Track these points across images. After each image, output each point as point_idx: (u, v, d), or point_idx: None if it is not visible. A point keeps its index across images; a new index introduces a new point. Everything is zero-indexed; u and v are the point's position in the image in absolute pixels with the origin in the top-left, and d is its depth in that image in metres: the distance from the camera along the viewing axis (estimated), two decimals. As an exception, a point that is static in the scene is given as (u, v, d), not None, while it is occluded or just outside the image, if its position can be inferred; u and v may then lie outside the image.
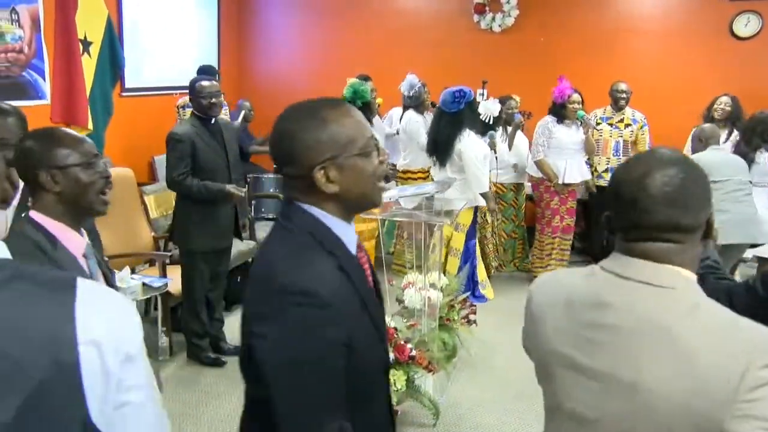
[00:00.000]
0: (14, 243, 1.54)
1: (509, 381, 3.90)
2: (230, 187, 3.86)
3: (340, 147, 1.28)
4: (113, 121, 5.40)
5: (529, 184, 5.97)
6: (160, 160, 6.37)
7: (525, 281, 5.89)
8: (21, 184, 1.85)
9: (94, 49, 5.37)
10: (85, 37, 5.24)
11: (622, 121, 5.81)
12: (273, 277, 1.23)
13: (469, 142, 4.56)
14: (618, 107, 5.80)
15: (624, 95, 5.74)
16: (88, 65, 5.29)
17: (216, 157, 3.87)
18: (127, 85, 6.02)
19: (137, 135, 6.05)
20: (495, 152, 5.51)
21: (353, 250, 1.35)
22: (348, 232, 1.34)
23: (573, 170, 5.55)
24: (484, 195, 4.68)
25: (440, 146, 4.66)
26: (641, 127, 5.78)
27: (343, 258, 1.29)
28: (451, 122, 4.59)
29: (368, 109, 5.21)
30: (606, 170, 5.83)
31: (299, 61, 7.72)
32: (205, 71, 5.23)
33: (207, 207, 3.87)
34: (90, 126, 5.27)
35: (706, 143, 4.40)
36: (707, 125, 4.77)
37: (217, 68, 6.38)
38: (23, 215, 1.70)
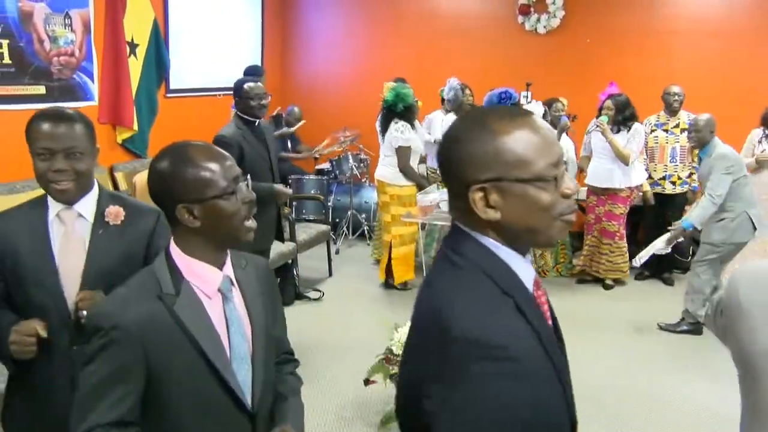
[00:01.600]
0: (136, 279, 1.48)
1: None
2: (279, 187, 3.86)
3: (507, 167, 1.05)
4: (157, 121, 5.49)
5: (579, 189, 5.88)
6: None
7: (568, 286, 5.78)
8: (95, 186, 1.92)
9: (141, 51, 5.47)
10: (132, 40, 5.35)
11: (677, 126, 5.60)
12: (446, 326, 1.02)
13: None
14: (671, 111, 5.61)
15: (677, 98, 5.55)
16: (135, 67, 5.40)
17: (261, 159, 3.86)
18: (172, 86, 6.10)
19: (181, 136, 5.98)
20: None
21: (531, 288, 1.13)
22: (525, 268, 1.12)
23: (596, 173, 5.55)
24: None
25: None
26: None
27: (521, 300, 1.07)
28: None
29: (410, 113, 5.19)
30: (663, 178, 5.70)
31: (341, 63, 7.72)
32: (251, 72, 5.26)
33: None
34: (135, 126, 5.38)
35: None
36: None
37: (263, 69, 6.43)
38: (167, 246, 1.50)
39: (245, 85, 3.83)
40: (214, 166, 1.42)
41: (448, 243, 1.13)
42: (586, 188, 5.82)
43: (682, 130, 5.53)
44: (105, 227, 1.85)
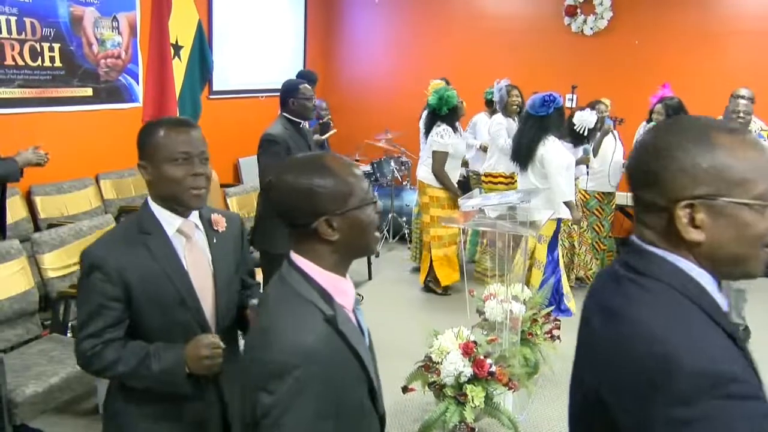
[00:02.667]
0: (285, 300, 1.35)
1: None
2: None
3: (724, 185, 0.96)
4: (200, 123, 5.51)
5: (626, 194, 5.72)
6: (245, 162, 6.50)
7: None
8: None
9: (185, 53, 5.52)
10: (177, 42, 5.39)
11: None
12: (668, 357, 0.91)
13: (552, 149, 4.39)
14: (739, 119, 5.15)
15: (744, 102, 5.05)
16: (179, 69, 5.44)
17: None
18: (215, 87, 6.16)
19: (223, 137, 6.17)
20: (588, 167, 5.33)
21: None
22: (720, 297, 1.03)
23: None
24: (567, 204, 4.48)
25: (522, 150, 4.53)
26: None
27: (727, 327, 0.99)
28: (536, 126, 4.45)
29: (455, 115, 5.13)
30: None
31: (383, 64, 7.71)
32: (305, 76, 5.28)
33: None
34: (179, 128, 5.43)
35: None
36: None
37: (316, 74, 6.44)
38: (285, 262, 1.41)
39: (301, 86, 3.87)
40: (353, 175, 1.37)
41: (628, 263, 1.02)
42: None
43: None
44: (215, 235, 1.88)
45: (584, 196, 5.66)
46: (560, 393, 3.84)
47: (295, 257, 1.36)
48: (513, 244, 3.74)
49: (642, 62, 6.45)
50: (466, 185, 6.06)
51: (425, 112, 5.35)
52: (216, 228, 1.88)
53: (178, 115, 5.40)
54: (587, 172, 5.42)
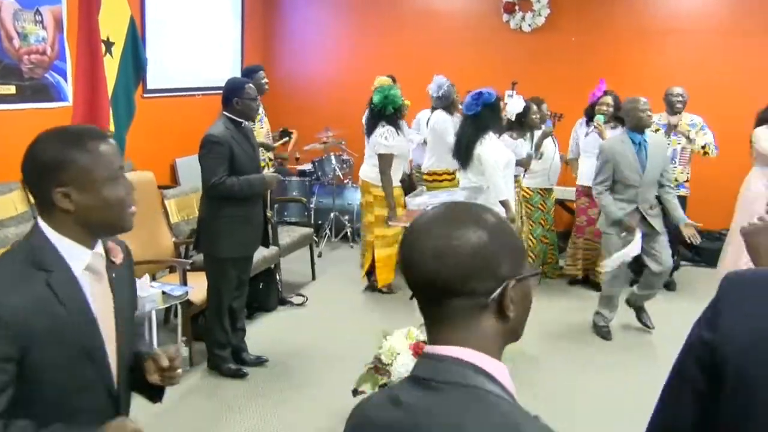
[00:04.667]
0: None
1: (550, 395, 3.74)
2: (268, 174, 3.78)
3: None
4: (135, 122, 5.32)
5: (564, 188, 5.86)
6: (183, 163, 6.30)
7: (556, 288, 5.71)
8: None
9: (117, 50, 5.29)
10: (108, 38, 5.16)
11: (677, 126, 5.43)
12: None
13: (489, 147, 4.38)
14: (674, 112, 5.41)
15: (680, 99, 5.38)
16: (111, 66, 5.21)
17: (249, 161, 3.78)
18: (150, 86, 5.94)
19: (159, 137, 5.96)
20: (535, 157, 5.38)
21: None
22: None
23: (590, 173, 5.35)
24: (503, 203, 4.47)
25: (462, 149, 4.54)
26: (699, 129, 5.38)
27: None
28: (471, 125, 4.45)
29: (399, 115, 5.09)
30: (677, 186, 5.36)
31: (325, 62, 7.61)
32: (254, 70, 5.16)
33: (239, 211, 3.77)
34: (112, 128, 5.20)
35: None
36: None
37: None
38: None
39: (247, 86, 3.76)
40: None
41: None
42: (575, 189, 5.76)
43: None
44: (114, 269, 1.55)
45: (527, 193, 5.72)
46: (516, 388, 3.85)
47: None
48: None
49: (579, 59, 6.57)
50: (409, 182, 6.04)
51: (368, 111, 5.29)
52: (113, 259, 1.54)
53: (111, 114, 5.18)
54: (524, 173, 5.49)
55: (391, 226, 5.13)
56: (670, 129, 5.40)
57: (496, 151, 4.39)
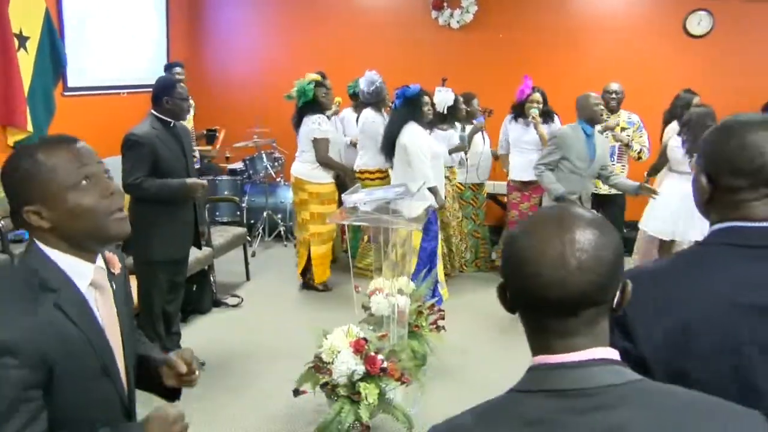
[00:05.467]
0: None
1: (483, 387, 3.76)
2: (191, 180, 3.67)
3: None
4: (55, 122, 5.10)
5: (494, 183, 5.97)
6: (109, 164, 6.04)
7: (488, 281, 5.81)
8: None
9: (32, 45, 5.04)
10: (21, 32, 4.91)
11: (617, 124, 5.39)
12: None
13: (411, 134, 4.49)
14: (609, 109, 5.37)
15: (614, 96, 5.37)
16: (26, 62, 4.97)
17: (177, 163, 3.66)
18: (70, 84, 5.69)
19: (82, 137, 5.68)
20: (466, 155, 5.46)
21: None
22: None
23: (522, 166, 5.51)
24: (431, 190, 4.55)
25: (386, 141, 4.62)
26: (637, 129, 5.39)
27: None
28: (397, 117, 4.62)
29: (315, 108, 5.07)
30: (598, 177, 5.26)
31: (254, 59, 7.48)
32: (169, 68, 5.00)
33: (168, 213, 3.66)
34: (29, 128, 4.95)
35: None
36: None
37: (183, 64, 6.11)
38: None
39: (178, 85, 3.65)
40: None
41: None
42: (506, 184, 5.87)
43: (622, 129, 5.39)
44: (114, 280, 1.49)
45: (459, 188, 5.80)
46: (449, 382, 3.90)
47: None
48: (397, 238, 3.75)
49: (507, 55, 6.70)
50: (341, 182, 6.02)
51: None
52: (113, 270, 1.50)
53: (29, 113, 4.94)
54: (464, 161, 5.56)
55: (327, 224, 5.11)
56: (607, 128, 5.35)
57: (419, 139, 4.46)
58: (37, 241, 1.36)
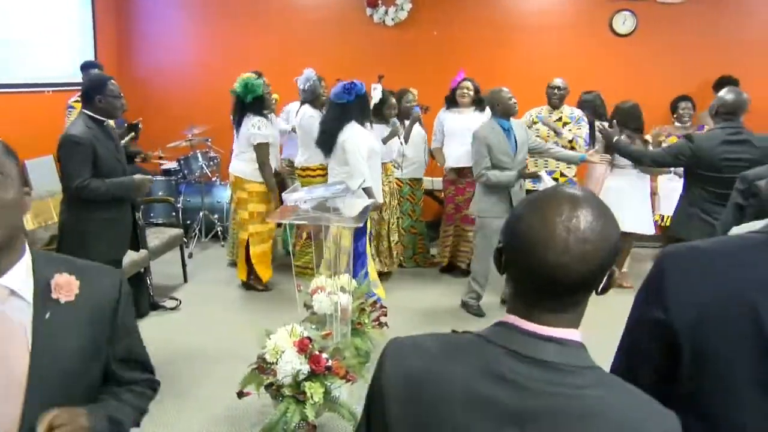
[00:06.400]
0: None
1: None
2: (138, 176, 3.59)
3: None
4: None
5: (432, 179, 6.04)
6: (34, 165, 5.81)
7: (428, 277, 5.88)
8: None
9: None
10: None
11: (560, 119, 5.47)
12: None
13: (351, 134, 4.43)
14: (552, 105, 5.50)
15: (557, 92, 5.44)
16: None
17: (113, 161, 3.58)
18: (-9, 81, 5.45)
19: (3, 138, 5.47)
20: (400, 140, 5.48)
21: None
22: None
23: (458, 154, 5.59)
24: (366, 190, 4.55)
25: (325, 137, 4.56)
26: (577, 121, 5.48)
27: None
28: (338, 114, 4.50)
29: (260, 105, 5.02)
30: (548, 174, 5.25)
31: (187, 58, 7.32)
32: (90, 67, 4.84)
33: (105, 214, 3.57)
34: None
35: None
36: None
37: (100, 64, 5.92)
38: None
39: (110, 83, 3.54)
40: None
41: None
42: (442, 179, 5.95)
43: (564, 124, 5.45)
44: (53, 308, 1.29)
45: (398, 184, 5.84)
46: (392, 377, 3.93)
47: None
48: (331, 237, 3.76)
49: (442, 52, 6.79)
50: (280, 178, 5.98)
51: (234, 103, 5.18)
52: (56, 296, 1.29)
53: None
54: (404, 156, 5.61)
55: (266, 222, 5.07)
56: (547, 122, 5.48)
57: (359, 138, 4.44)
58: None
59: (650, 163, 4.49)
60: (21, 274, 1.26)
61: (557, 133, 5.45)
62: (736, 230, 1.97)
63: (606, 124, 4.97)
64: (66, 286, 1.30)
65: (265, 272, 5.34)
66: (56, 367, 1.27)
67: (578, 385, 0.94)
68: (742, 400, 1.15)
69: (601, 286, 1.00)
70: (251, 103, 4.98)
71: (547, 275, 0.96)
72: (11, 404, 1.22)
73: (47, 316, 1.27)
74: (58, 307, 1.29)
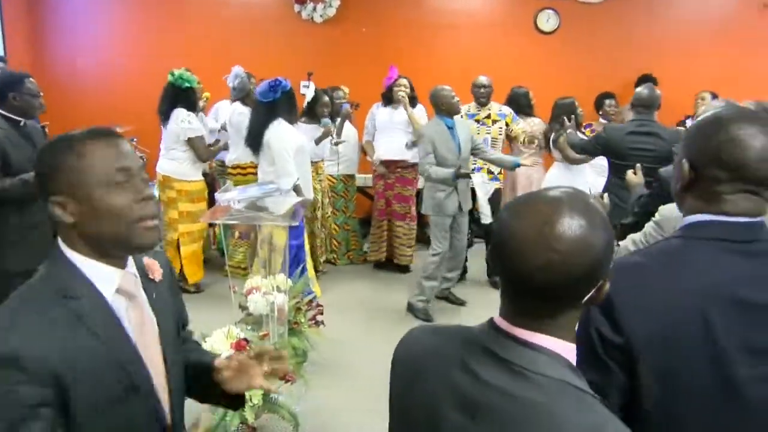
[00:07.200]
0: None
1: (366, 380, 3.85)
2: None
3: None
4: None
5: (363, 176, 6.06)
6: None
7: (361, 274, 5.89)
8: None
9: None
10: None
11: (489, 117, 5.48)
12: None
13: (278, 132, 4.37)
14: (479, 103, 5.49)
15: (482, 90, 5.45)
16: None
17: (27, 163, 3.39)
18: None
19: None
20: (333, 138, 5.45)
21: None
22: None
23: (390, 147, 5.64)
24: (295, 188, 4.51)
25: (253, 136, 4.49)
26: (511, 121, 5.51)
27: None
28: (265, 112, 4.42)
29: (192, 97, 4.92)
30: (473, 170, 5.25)
31: (111, 56, 7.02)
32: None
33: (25, 218, 3.40)
34: None
35: None
36: None
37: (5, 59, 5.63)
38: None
39: (27, 80, 3.39)
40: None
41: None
42: (371, 175, 5.96)
43: (494, 122, 5.48)
44: (153, 288, 1.38)
45: (331, 181, 5.83)
46: (331, 377, 3.93)
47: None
48: (266, 235, 3.71)
49: (371, 50, 6.80)
50: (211, 177, 5.86)
51: (162, 96, 5.04)
52: (152, 277, 1.38)
53: None
54: (333, 152, 5.59)
55: (197, 222, 4.96)
56: (478, 119, 5.47)
57: (285, 136, 4.39)
58: (60, 243, 1.25)
59: (579, 152, 4.67)
60: (132, 263, 1.33)
61: (507, 125, 5.51)
62: (666, 208, 2.13)
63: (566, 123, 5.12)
64: (154, 267, 1.40)
65: (195, 273, 5.23)
66: (172, 341, 1.39)
67: (534, 392, 0.95)
68: (704, 407, 1.19)
69: (588, 297, 0.98)
70: (184, 93, 4.88)
71: (519, 281, 0.97)
72: (161, 382, 1.33)
73: (153, 295, 1.36)
74: (157, 287, 1.39)
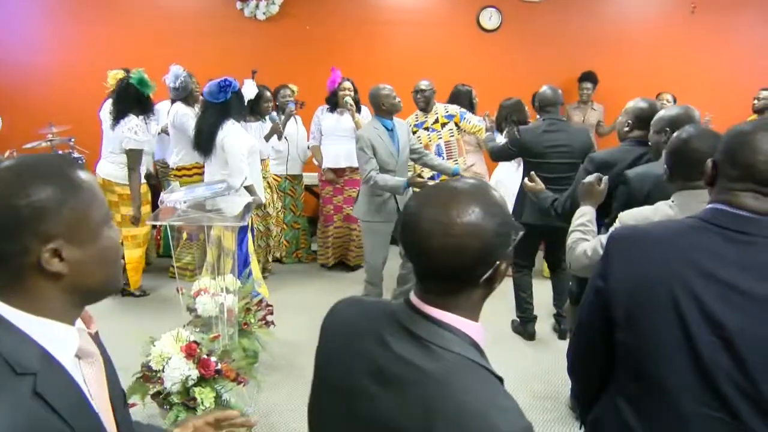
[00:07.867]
0: None
1: (315, 378, 3.84)
2: None
3: None
4: None
5: (315, 174, 6.06)
6: None
7: (309, 272, 5.87)
8: None
9: None
10: None
11: (437, 121, 5.20)
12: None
13: (231, 133, 4.32)
14: (420, 109, 5.24)
15: (419, 96, 5.18)
16: None
17: None
18: None
19: None
20: (281, 134, 5.42)
21: None
22: None
23: (337, 154, 5.64)
24: (247, 188, 4.45)
25: (203, 137, 4.41)
26: (459, 119, 5.22)
27: None
28: (215, 113, 4.34)
29: (149, 104, 4.84)
30: (432, 177, 4.92)
31: (45, 54, 6.76)
32: None
33: None
34: None
35: None
36: None
37: None
38: None
39: None
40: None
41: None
42: (317, 177, 5.94)
43: (443, 125, 5.21)
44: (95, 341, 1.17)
45: (276, 179, 5.78)
46: (283, 377, 3.91)
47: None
48: (215, 237, 3.67)
49: (315, 48, 6.76)
50: (153, 179, 5.75)
51: (109, 101, 4.88)
52: (88, 330, 1.14)
53: None
54: (276, 150, 5.55)
55: (141, 226, 4.84)
56: (427, 126, 5.23)
57: (238, 137, 4.34)
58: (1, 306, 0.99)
59: (495, 159, 4.85)
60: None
61: (458, 126, 5.26)
62: (626, 214, 2.20)
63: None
64: (88, 319, 1.18)
65: (137, 277, 5.13)
66: (119, 401, 1.20)
67: (437, 364, 1.05)
68: (669, 361, 1.37)
69: (485, 276, 1.09)
70: (145, 99, 4.76)
71: (423, 262, 1.09)
72: None
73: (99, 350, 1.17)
74: (95, 339, 1.18)
